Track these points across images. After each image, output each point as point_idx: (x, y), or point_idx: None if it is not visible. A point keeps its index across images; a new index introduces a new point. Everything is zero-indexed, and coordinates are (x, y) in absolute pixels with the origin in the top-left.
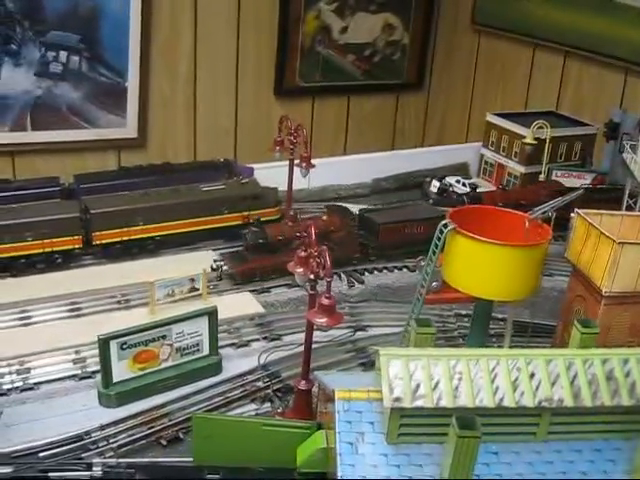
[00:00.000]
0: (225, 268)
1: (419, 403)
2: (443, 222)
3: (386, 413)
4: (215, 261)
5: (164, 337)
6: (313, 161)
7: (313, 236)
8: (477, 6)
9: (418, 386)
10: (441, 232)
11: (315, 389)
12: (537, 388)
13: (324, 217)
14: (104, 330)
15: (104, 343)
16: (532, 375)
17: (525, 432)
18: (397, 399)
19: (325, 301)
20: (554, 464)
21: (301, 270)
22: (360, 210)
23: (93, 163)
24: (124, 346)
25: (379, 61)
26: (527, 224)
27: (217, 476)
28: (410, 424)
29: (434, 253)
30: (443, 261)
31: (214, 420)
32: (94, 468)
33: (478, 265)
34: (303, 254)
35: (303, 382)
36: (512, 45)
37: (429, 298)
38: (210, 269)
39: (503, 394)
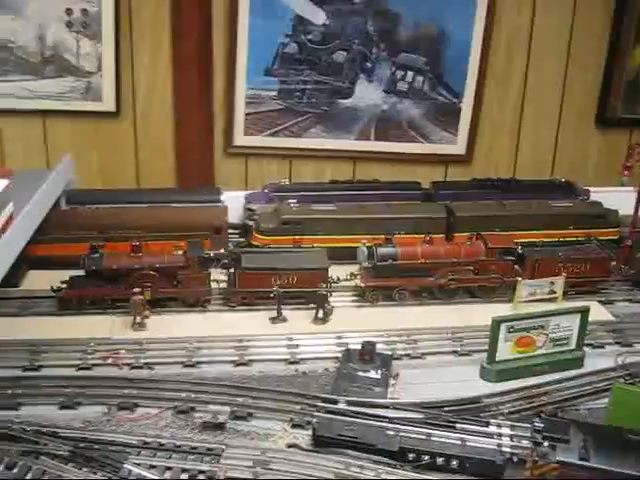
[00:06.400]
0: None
1: None
2: None
3: None
4: (62, 282)
5: (542, 327)
6: None
7: None
8: None
9: None
10: None
11: None
12: None
13: (178, 252)
14: (465, 317)
15: (497, 324)
16: None
17: None
18: None
19: None
20: None
21: None
22: (234, 247)
23: (421, 174)
24: (511, 329)
25: None
26: None
27: (638, 437)
28: None
29: None
30: None
31: (634, 392)
32: (490, 426)
33: None
34: None
35: None
36: None
37: None
38: (51, 290)
39: None
